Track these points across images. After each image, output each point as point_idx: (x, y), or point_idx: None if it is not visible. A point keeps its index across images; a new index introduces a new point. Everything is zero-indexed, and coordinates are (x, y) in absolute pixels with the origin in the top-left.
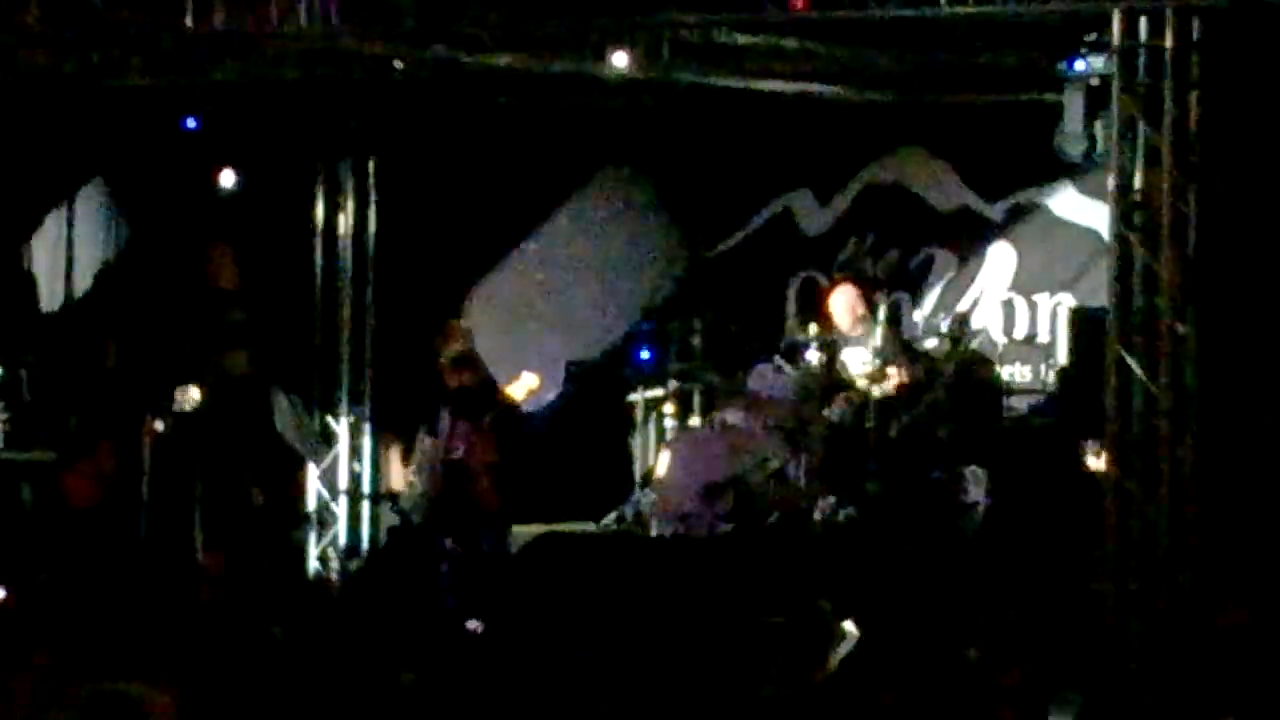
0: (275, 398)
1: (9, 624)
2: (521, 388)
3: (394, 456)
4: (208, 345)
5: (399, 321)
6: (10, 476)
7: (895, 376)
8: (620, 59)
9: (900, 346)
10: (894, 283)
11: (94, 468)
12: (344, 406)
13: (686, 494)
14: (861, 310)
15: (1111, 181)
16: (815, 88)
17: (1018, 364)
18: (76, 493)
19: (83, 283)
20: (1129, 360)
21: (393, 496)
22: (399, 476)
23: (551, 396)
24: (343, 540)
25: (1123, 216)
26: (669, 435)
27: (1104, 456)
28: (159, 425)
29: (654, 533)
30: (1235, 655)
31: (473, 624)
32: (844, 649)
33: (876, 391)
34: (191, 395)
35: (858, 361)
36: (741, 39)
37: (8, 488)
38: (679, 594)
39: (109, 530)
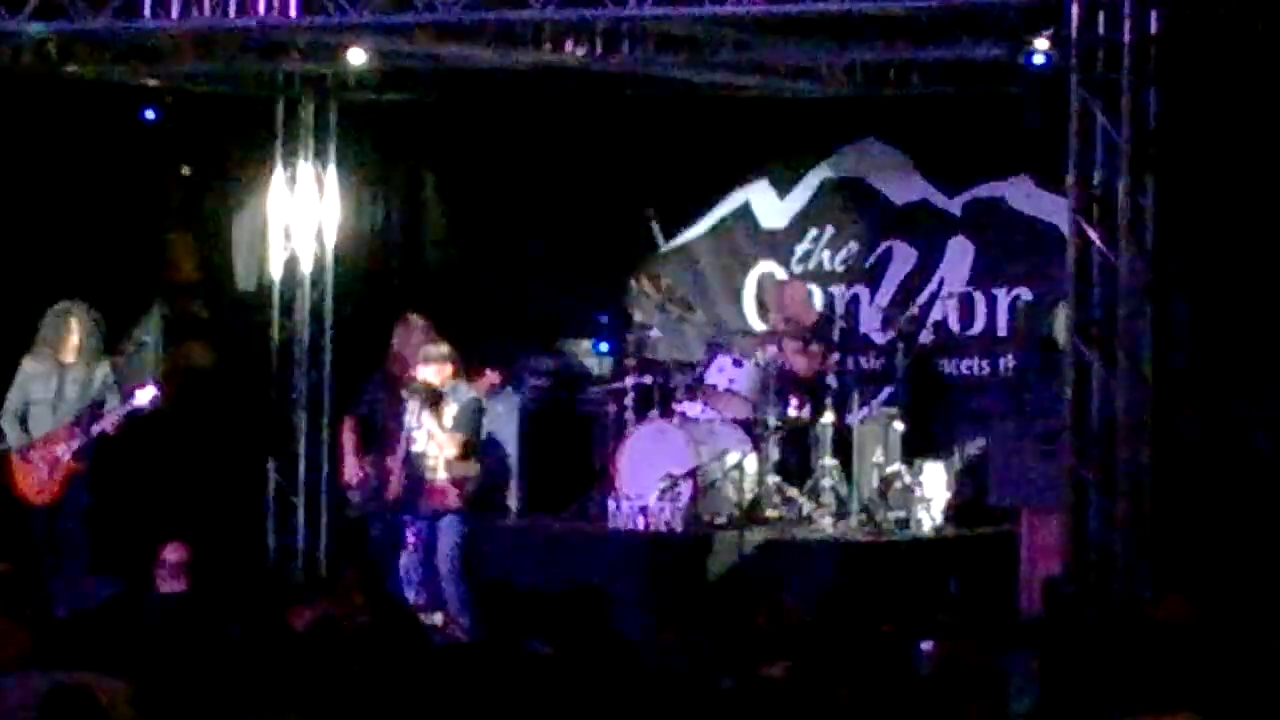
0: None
1: None
2: (483, 383)
3: (349, 447)
4: (167, 337)
5: (358, 313)
6: None
7: (851, 369)
8: (579, 52)
9: (857, 340)
10: (851, 276)
11: (47, 457)
12: (303, 398)
13: (645, 486)
14: (814, 307)
15: (1070, 175)
16: (774, 81)
17: (975, 357)
18: (27, 483)
19: (44, 274)
20: (1087, 354)
21: (347, 487)
22: (354, 467)
23: (510, 390)
24: (301, 532)
25: (1081, 210)
26: (628, 428)
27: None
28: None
29: (612, 525)
30: (1188, 648)
31: (435, 618)
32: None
33: (834, 384)
34: (148, 391)
35: (815, 354)
36: (701, 32)
37: None
38: (637, 586)
39: (66, 522)
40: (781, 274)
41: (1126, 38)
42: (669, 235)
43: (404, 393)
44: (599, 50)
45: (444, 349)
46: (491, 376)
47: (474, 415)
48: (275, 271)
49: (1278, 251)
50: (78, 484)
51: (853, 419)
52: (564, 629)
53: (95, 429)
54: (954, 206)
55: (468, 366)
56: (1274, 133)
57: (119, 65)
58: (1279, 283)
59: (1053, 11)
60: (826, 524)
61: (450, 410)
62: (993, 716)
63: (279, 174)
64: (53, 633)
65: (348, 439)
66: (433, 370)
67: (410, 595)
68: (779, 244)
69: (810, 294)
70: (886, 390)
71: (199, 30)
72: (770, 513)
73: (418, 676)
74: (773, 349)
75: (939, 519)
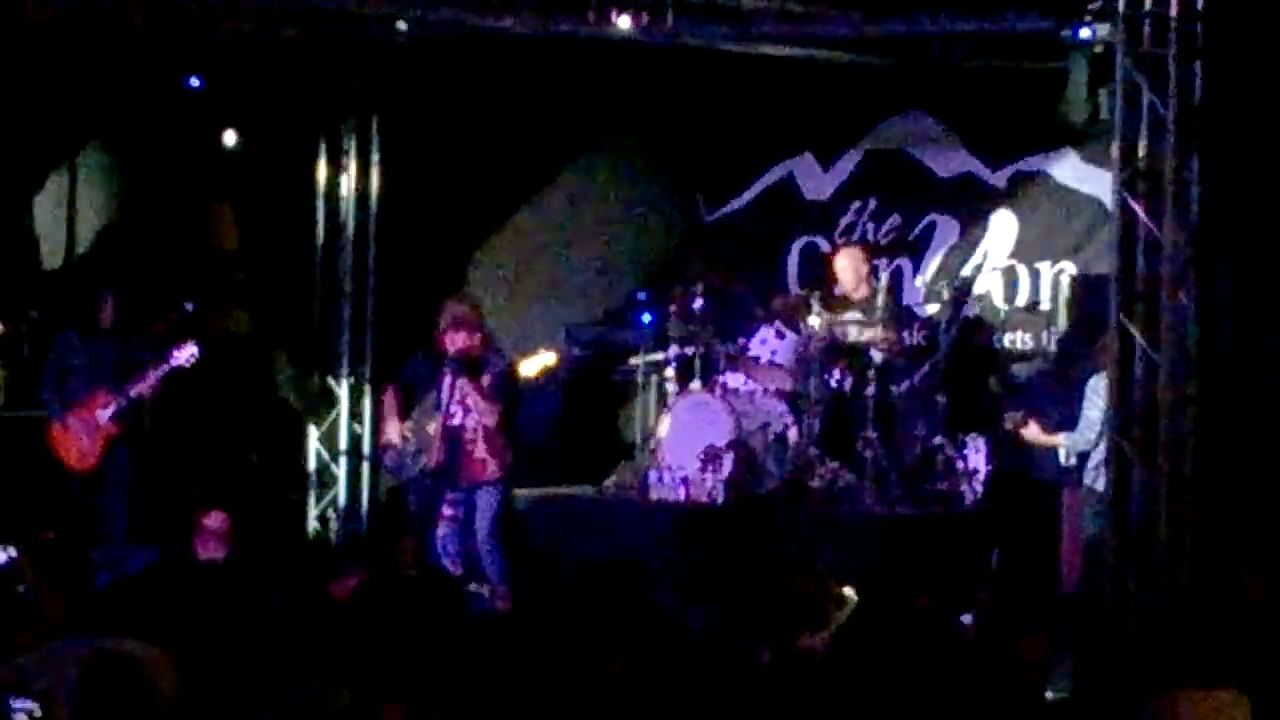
0: (276, 358)
1: (15, 582)
2: (537, 364)
3: (389, 410)
4: (209, 306)
5: (400, 282)
6: (11, 434)
7: (894, 341)
8: (624, 22)
9: (901, 312)
10: (895, 249)
11: (86, 423)
12: (345, 367)
13: (687, 458)
14: (866, 273)
15: (1115, 149)
16: (819, 52)
17: (1019, 331)
18: (67, 449)
19: (85, 241)
20: (1130, 328)
21: (384, 449)
22: (393, 430)
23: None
24: (342, 501)
25: (1126, 184)
26: (669, 399)
27: (1031, 426)
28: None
29: (653, 496)
30: (1238, 625)
31: (474, 588)
32: (843, 613)
33: (877, 357)
34: (188, 349)
35: (858, 326)
36: (746, 2)
37: (9, 445)
38: (678, 558)
39: (106, 489)
40: (825, 246)
41: (1173, 12)
42: (713, 207)
43: (444, 362)
44: (644, 21)
45: (465, 307)
46: (548, 360)
47: (510, 383)
48: (318, 240)
49: None
50: (118, 451)
51: (895, 391)
52: (601, 599)
53: (134, 391)
54: (998, 180)
55: (509, 337)
56: None
57: (164, 32)
58: None
59: None
60: (868, 496)
61: (485, 380)
62: (1032, 690)
63: (323, 143)
64: (94, 600)
65: (388, 403)
66: (462, 336)
67: (447, 566)
68: (822, 216)
69: (863, 259)
70: (929, 362)
71: None
72: (812, 485)
73: (459, 646)
74: (817, 319)
75: (981, 492)
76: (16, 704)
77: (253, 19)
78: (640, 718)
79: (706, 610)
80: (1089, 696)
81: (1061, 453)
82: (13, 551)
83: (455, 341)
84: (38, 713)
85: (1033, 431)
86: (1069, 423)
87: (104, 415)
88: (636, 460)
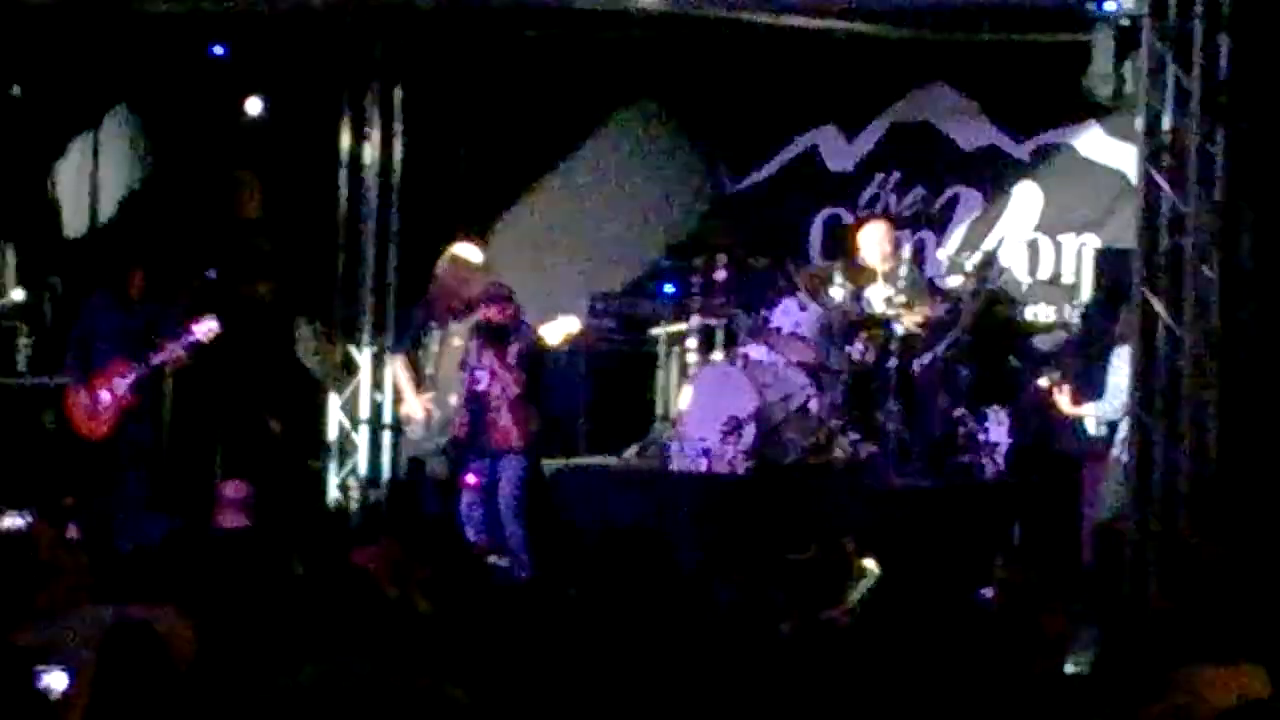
0: (298, 326)
1: (34, 548)
2: (560, 330)
3: (406, 383)
4: (232, 274)
5: (423, 251)
6: (33, 402)
7: (917, 314)
8: None
9: (924, 285)
10: (918, 221)
11: (104, 391)
12: (366, 336)
13: (708, 429)
14: (890, 247)
15: (1140, 122)
16: (843, 24)
17: (1042, 304)
18: (83, 417)
19: (108, 208)
20: (1154, 302)
21: (406, 422)
22: (415, 403)
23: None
24: (363, 470)
25: (1150, 158)
26: (691, 370)
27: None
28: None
29: (674, 467)
30: (1257, 598)
31: (494, 558)
32: (864, 586)
33: (899, 329)
34: (207, 324)
35: (881, 298)
36: None
37: (31, 413)
38: (698, 529)
39: (125, 458)
40: (848, 218)
41: None
42: (736, 178)
43: (467, 330)
44: None
45: (506, 289)
46: (570, 326)
47: (535, 354)
48: (341, 208)
49: None
50: (138, 420)
51: (917, 364)
52: (621, 569)
53: (154, 361)
54: (1022, 152)
55: (532, 306)
56: None
57: (188, 1)
58: None
59: None
60: (889, 469)
61: (513, 349)
62: (1052, 665)
63: (346, 111)
64: (114, 567)
65: (402, 375)
66: (495, 309)
67: (471, 535)
68: (846, 188)
69: (888, 233)
70: (951, 335)
71: None
72: (833, 457)
73: (480, 616)
74: (840, 291)
75: (1002, 465)
76: (43, 674)
77: None
78: (660, 690)
79: (727, 582)
80: (1109, 672)
81: (1090, 422)
82: (29, 516)
83: (488, 313)
84: (66, 681)
85: (1063, 399)
86: (1091, 396)
87: (121, 384)
88: (658, 431)
